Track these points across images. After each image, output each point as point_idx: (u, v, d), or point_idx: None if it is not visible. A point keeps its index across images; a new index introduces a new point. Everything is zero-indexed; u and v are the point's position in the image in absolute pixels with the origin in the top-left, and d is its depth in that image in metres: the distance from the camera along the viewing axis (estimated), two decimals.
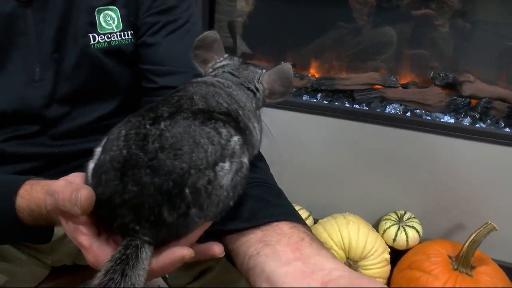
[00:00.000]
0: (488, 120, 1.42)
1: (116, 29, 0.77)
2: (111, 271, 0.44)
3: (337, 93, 1.58)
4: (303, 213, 1.63)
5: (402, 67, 1.61)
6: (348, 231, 1.43)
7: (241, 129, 0.56)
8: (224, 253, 0.53)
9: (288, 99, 1.56)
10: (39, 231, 0.64)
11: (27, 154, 0.76)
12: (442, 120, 1.45)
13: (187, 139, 0.48)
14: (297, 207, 1.65)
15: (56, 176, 0.55)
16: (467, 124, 1.42)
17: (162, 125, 0.49)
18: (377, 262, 1.42)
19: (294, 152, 1.63)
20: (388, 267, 1.45)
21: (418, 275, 1.31)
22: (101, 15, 0.76)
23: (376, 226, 1.58)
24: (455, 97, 1.45)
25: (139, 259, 0.46)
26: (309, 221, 1.62)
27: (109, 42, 0.76)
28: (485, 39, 1.50)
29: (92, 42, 0.75)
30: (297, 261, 0.48)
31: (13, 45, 0.72)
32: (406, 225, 1.51)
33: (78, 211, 0.46)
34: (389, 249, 1.47)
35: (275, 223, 0.54)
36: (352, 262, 1.42)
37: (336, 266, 0.46)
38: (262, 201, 0.58)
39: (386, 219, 1.56)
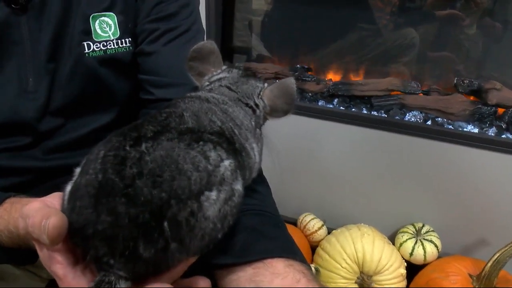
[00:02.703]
0: None
1: (113, 36, 0.72)
2: None
3: (354, 99, 1.51)
4: (317, 223, 1.57)
5: (424, 72, 1.53)
6: (363, 244, 1.37)
7: (236, 150, 0.51)
8: None
9: (302, 104, 1.50)
10: (21, 251, 0.60)
11: (18, 168, 0.72)
12: (465, 129, 1.36)
13: (169, 165, 0.43)
14: (311, 216, 1.60)
15: (47, 191, 0.51)
16: (493, 134, 1.34)
17: (143, 147, 0.44)
18: (392, 277, 1.35)
19: (308, 159, 1.57)
20: (404, 283, 1.38)
21: None
22: (97, 22, 0.71)
23: (392, 238, 1.52)
24: (479, 106, 1.37)
25: None
26: (323, 231, 1.57)
27: (105, 51, 0.72)
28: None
29: (86, 51, 0.71)
30: None
31: (6, 54, 0.68)
32: (424, 239, 1.44)
33: (46, 240, 0.42)
34: (405, 264, 1.40)
35: (268, 260, 0.50)
36: (366, 277, 1.36)
37: None
38: (256, 233, 0.53)
39: (403, 232, 1.49)
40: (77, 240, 0.44)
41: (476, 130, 1.36)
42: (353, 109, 1.49)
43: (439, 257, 1.43)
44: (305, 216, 1.61)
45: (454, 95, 1.41)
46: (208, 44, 0.63)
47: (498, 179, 1.35)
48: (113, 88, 0.76)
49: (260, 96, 0.59)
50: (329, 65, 1.66)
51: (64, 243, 0.45)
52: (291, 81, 0.56)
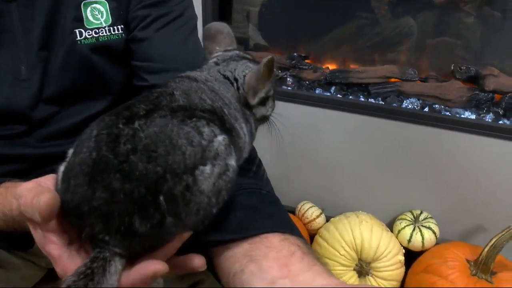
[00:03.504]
0: None
1: (105, 23, 0.72)
2: (72, 287, 0.40)
3: (351, 87, 1.51)
4: (316, 211, 1.58)
5: (421, 59, 1.52)
6: (361, 231, 1.38)
7: (227, 129, 0.51)
8: (205, 267, 0.48)
9: (299, 92, 1.50)
10: (18, 236, 0.61)
11: (12, 156, 0.72)
12: (462, 116, 1.36)
13: (163, 140, 0.43)
14: (309, 204, 1.60)
15: None
16: (490, 120, 1.34)
17: (136, 124, 0.44)
18: (391, 264, 1.36)
19: (306, 147, 1.57)
20: (402, 270, 1.39)
21: (433, 280, 1.24)
22: (88, 9, 0.71)
23: (390, 226, 1.52)
24: (477, 92, 1.36)
25: (107, 273, 0.42)
26: (321, 219, 1.57)
27: (97, 38, 0.71)
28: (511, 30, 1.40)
29: (78, 38, 0.70)
30: (284, 279, 0.44)
31: None
32: (422, 226, 1.45)
33: (38, 218, 0.42)
34: (403, 251, 1.41)
35: (264, 235, 0.50)
36: (364, 264, 1.36)
37: (328, 282, 0.42)
38: (252, 210, 0.54)
39: (401, 219, 1.50)
40: (72, 219, 0.45)
41: (473, 117, 1.36)
42: (350, 97, 1.48)
43: (437, 243, 1.44)
44: (304, 204, 1.61)
45: (452, 81, 1.41)
46: (217, 24, 0.64)
47: (495, 165, 1.35)
48: (107, 76, 0.75)
49: (243, 74, 0.58)
50: (326, 54, 1.66)
51: (58, 223, 0.46)
52: (265, 59, 0.53)
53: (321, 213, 1.58)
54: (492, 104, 1.36)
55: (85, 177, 0.43)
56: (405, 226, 1.46)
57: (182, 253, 0.48)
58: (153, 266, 0.43)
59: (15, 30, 0.68)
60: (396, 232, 1.47)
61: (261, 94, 0.57)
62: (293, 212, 1.64)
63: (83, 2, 0.70)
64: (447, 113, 1.38)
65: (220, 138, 0.47)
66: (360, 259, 1.38)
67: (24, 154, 0.73)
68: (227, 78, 0.57)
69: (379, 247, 1.35)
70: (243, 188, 0.57)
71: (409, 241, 1.43)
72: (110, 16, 0.72)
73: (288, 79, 1.57)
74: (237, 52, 0.62)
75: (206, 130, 0.46)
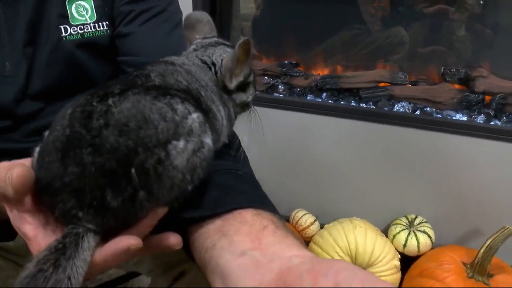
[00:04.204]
0: (504, 117, 1.33)
1: (90, 20, 0.73)
2: (42, 261, 0.39)
3: (342, 92, 1.51)
4: (309, 218, 1.56)
5: (411, 63, 1.53)
6: (355, 236, 1.36)
7: (204, 110, 0.50)
8: (181, 245, 0.47)
9: (291, 99, 1.50)
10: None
11: None
12: (454, 118, 1.37)
13: (135, 115, 0.43)
14: (303, 212, 1.59)
15: None
16: (481, 122, 1.34)
17: (110, 101, 0.44)
18: (386, 269, 1.33)
19: (299, 154, 1.57)
20: (398, 275, 1.36)
21: (430, 284, 1.22)
22: (73, 6, 0.71)
23: (385, 231, 1.51)
24: (467, 94, 1.37)
25: (79, 248, 0.41)
26: (316, 226, 1.56)
27: (82, 34, 0.72)
28: (500, 33, 1.42)
29: (63, 34, 0.71)
30: (254, 251, 0.42)
31: None
32: (417, 230, 1.43)
33: (11, 191, 0.42)
34: (399, 256, 1.39)
35: (237, 211, 0.49)
36: None
37: (298, 253, 0.41)
38: (227, 189, 0.53)
39: (396, 224, 1.48)
40: (46, 197, 0.44)
41: (464, 118, 1.36)
42: (341, 102, 1.49)
43: (432, 248, 1.42)
44: (297, 212, 1.60)
45: (442, 84, 1.41)
46: (197, 13, 0.64)
47: (488, 166, 1.34)
48: (93, 72, 0.76)
49: (221, 58, 0.57)
50: (319, 62, 1.66)
51: (34, 203, 0.46)
52: (240, 40, 0.52)
53: (315, 220, 1.56)
54: (483, 105, 1.36)
55: (57, 154, 0.42)
56: (400, 231, 1.44)
57: (157, 232, 0.47)
58: (126, 241, 0.42)
59: (0, 27, 0.68)
60: (391, 237, 1.45)
61: (239, 78, 0.56)
62: (287, 220, 1.62)
63: None
64: (439, 115, 1.38)
65: (195, 115, 0.47)
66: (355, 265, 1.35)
67: (8, 149, 0.73)
68: (205, 63, 0.57)
69: (374, 252, 1.33)
70: (221, 169, 0.57)
71: (405, 246, 1.41)
72: (95, 13, 0.73)
73: (280, 86, 1.57)
74: (215, 38, 0.62)
75: (180, 107, 0.46)
